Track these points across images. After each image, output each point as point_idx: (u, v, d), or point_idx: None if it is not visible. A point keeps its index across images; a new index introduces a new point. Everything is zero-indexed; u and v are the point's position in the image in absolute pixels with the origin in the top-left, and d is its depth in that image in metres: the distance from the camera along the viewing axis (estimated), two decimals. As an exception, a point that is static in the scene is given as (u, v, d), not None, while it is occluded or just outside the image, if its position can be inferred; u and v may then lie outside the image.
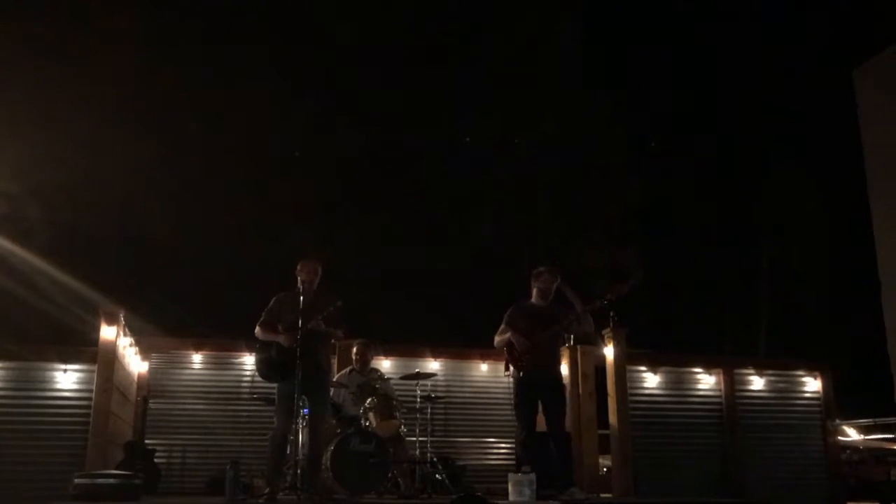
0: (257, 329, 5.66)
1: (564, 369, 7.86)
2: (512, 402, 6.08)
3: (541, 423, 6.06)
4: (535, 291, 6.10)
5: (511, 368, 5.96)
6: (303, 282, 5.63)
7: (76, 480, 5.26)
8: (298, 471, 5.55)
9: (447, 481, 6.35)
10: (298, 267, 5.75)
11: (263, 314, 5.69)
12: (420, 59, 17.83)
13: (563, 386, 6.07)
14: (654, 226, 18.28)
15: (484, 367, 8.15)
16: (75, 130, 13.34)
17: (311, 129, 17.12)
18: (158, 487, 6.70)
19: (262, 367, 5.61)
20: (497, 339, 6.05)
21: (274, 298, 5.77)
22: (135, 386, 7.43)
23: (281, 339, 5.50)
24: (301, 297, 5.55)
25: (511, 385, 6.08)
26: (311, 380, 5.50)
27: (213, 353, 7.63)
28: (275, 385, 5.70)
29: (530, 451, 5.75)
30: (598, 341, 7.70)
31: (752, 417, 7.99)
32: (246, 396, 7.15)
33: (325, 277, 5.88)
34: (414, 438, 6.46)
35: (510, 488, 5.21)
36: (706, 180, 18.62)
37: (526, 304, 6.11)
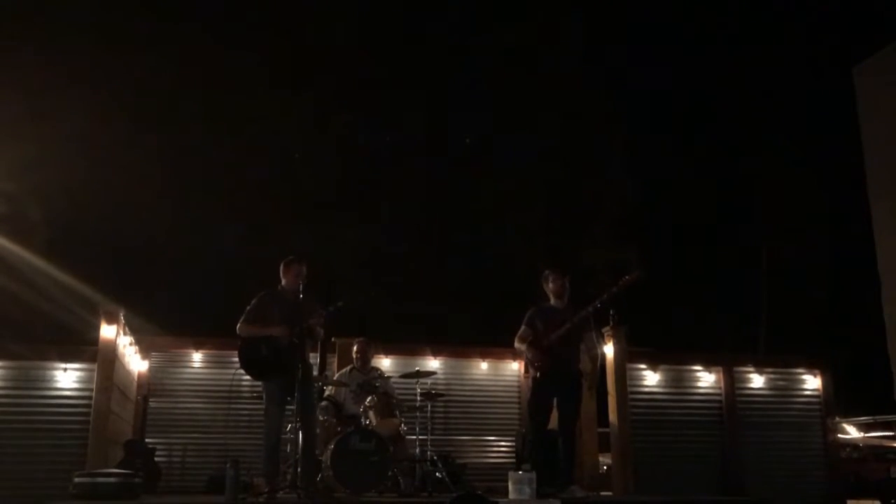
0: (241, 326, 5.58)
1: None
2: (516, 399, 6.10)
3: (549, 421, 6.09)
4: (550, 294, 6.13)
5: (531, 370, 6.07)
6: (292, 283, 5.64)
7: (76, 479, 5.25)
8: (298, 469, 5.55)
9: (447, 480, 6.34)
10: (283, 268, 5.75)
11: (246, 312, 5.63)
12: (421, 59, 17.85)
13: (580, 384, 6.07)
14: (655, 224, 18.29)
15: (484, 366, 8.16)
16: (75, 130, 13.34)
17: (311, 129, 17.12)
18: (159, 486, 6.70)
19: (252, 365, 5.58)
20: (516, 343, 6.13)
21: (257, 297, 5.72)
22: (135, 385, 7.43)
23: (276, 331, 5.49)
24: (297, 296, 5.56)
25: (528, 383, 6.10)
26: (303, 377, 5.50)
27: (212, 352, 7.63)
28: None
29: (538, 449, 5.77)
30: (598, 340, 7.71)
31: (752, 415, 8.00)
32: (246, 395, 7.15)
33: (324, 278, 5.89)
34: (414, 437, 6.46)
35: (510, 486, 5.20)
36: (706, 179, 18.63)
37: (545, 307, 6.15)
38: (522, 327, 6.09)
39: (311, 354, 5.98)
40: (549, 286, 6.12)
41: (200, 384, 7.58)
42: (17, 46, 13.19)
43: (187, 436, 7.38)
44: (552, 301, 6.13)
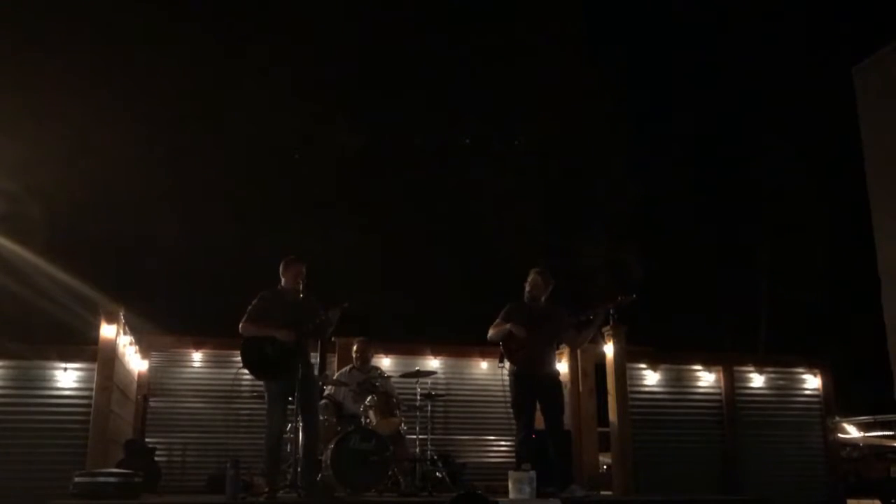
0: (245, 325, 5.57)
1: (564, 367, 7.89)
2: (510, 400, 6.09)
3: (539, 421, 6.08)
4: (525, 292, 6.13)
5: (505, 361, 5.98)
6: (291, 283, 5.65)
7: (76, 479, 5.25)
8: (298, 469, 5.55)
9: (447, 479, 6.36)
10: (283, 268, 5.76)
11: (249, 311, 5.63)
12: (420, 59, 17.84)
13: (559, 384, 6.08)
14: (655, 224, 18.29)
15: (484, 365, 8.16)
16: (75, 130, 13.34)
17: (311, 129, 17.12)
18: (159, 486, 6.69)
19: (256, 365, 5.58)
20: (492, 331, 6.02)
21: (259, 296, 5.71)
22: (135, 384, 7.43)
23: (282, 335, 5.48)
24: (298, 297, 5.56)
25: (507, 382, 6.08)
26: (303, 377, 5.50)
27: (213, 351, 7.63)
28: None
29: (530, 450, 5.77)
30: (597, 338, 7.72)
31: (752, 415, 8.00)
32: (246, 395, 7.16)
33: (324, 277, 5.90)
34: (414, 436, 6.47)
35: (510, 486, 5.21)
36: (706, 178, 18.64)
37: (522, 303, 6.13)
38: (498, 320, 6.03)
39: (312, 353, 5.97)
40: (527, 286, 6.11)
41: (200, 384, 7.57)
42: (17, 46, 13.20)
43: (187, 436, 7.38)
44: (526, 298, 6.13)
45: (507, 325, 5.90)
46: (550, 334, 6.00)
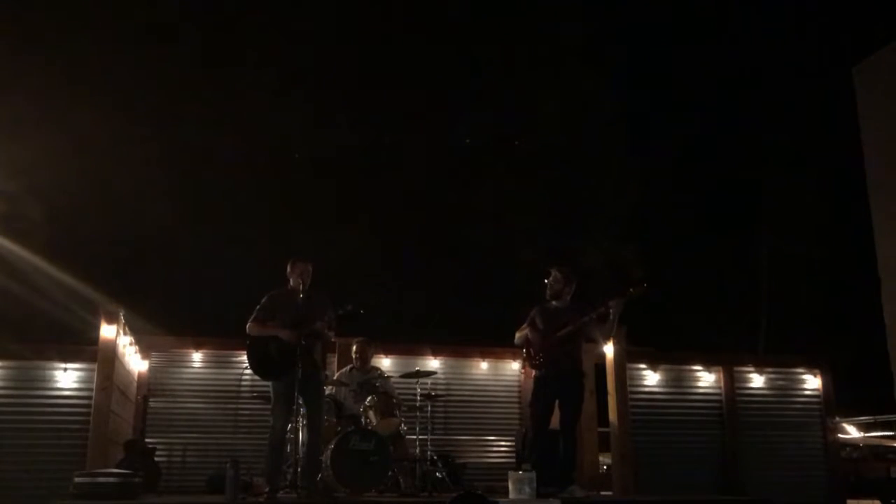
0: (251, 325, 5.62)
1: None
2: (517, 399, 6.14)
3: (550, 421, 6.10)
4: (548, 291, 6.16)
5: (532, 361, 6.11)
6: (297, 282, 5.66)
7: (76, 479, 5.25)
8: (298, 469, 5.55)
9: (447, 479, 6.36)
10: (290, 267, 5.77)
11: (256, 311, 5.66)
12: (420, 59, 17.84)
13: (581, 384, 6.09)
14: (655, 223, 18.29)
15: (484, 366, 8.15)
16: (75, 130, 13.34)
17: (311, 130, 17.12)
18: (159, 486, 6.70)
19: (260, 364, 5.59)
20: (517, 335, 6.19)
21: (266, 296, 5.74)
22: (135, 385, 7.42)
23: (284, 334, 5.49)
24: (301, 296, 5.57)
25: (525, 382, 6.15)
26: (309, 378, 5.51)
27: (213, 351, 7.62)
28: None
29: (537, 448, 5.78)
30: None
31: (752, 415, 7.99)
32: (246, 395, 7.16)
33: (324, 277, 5.90)
34: (414, 436, 6.46)
35: (510, 486, 5.21)
36: (706, 178, 18.64)
37: (546, 306, 6.18)
38: (525, 324, 6.17)
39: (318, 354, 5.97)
40: (548, 285, 6.14)
41: (200, 384, 7.56)
42: (18, 46, 13.20)
43: (187, 435, 7.36)
44: (548, 296, 6.15)
45: (525, 332, 6.04)
46: (574, 333, 5.99)
